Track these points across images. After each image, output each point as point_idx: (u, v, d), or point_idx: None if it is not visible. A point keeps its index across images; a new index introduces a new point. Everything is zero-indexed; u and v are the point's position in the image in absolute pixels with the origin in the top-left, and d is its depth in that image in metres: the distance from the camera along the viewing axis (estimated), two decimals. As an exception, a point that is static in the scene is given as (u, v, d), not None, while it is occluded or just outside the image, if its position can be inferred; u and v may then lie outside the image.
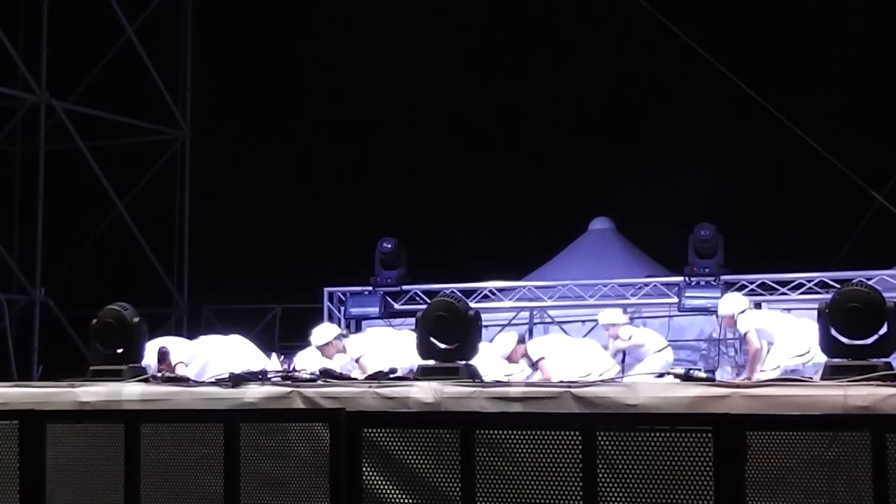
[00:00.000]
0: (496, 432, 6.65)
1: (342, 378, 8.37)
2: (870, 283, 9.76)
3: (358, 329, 14.61)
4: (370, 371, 9.66)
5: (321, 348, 10.95)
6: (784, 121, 14.37)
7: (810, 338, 10.06)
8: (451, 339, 7.89)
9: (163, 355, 10.52)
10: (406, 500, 6.77)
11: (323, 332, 11.14)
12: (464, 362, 7.80)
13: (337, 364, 10.63)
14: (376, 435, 6.86)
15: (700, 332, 13.73)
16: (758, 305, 12.05)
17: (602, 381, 8.11)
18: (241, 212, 16.40)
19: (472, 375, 7.70)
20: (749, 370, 10.36)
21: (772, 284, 11.59)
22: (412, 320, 8.61)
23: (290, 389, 7.39)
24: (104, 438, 7.47)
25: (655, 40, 15.24)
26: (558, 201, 13.07)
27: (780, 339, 10.21)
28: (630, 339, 11.44)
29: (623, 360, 11.54)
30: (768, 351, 10.49)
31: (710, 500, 6.16)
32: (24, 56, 16.84)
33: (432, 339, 7.94)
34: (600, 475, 6.38)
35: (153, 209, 17.23)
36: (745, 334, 10.38)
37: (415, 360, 8.50)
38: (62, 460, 7.56)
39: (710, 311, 12.89)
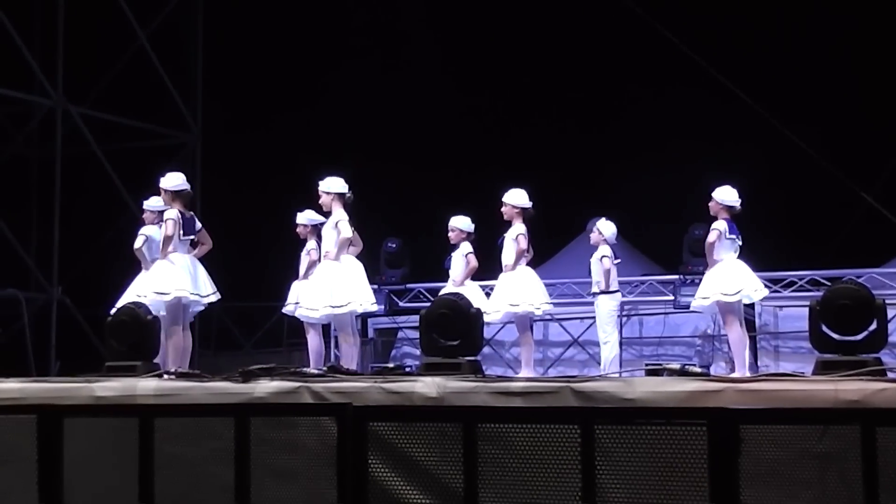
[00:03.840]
0: (498, 426, 6.69)
1: (349, 373, 8.55)
2: (859, 280, 9.90)
3: (364, 325, 14.82)
4: None
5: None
6: (774, 122, 14.46)
7: (741, 279, 10.06)
8: (454, 335, 8.01)
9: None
10: (411, 492, 6.83)
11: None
12: (466, 358, 7.95)
13: None
14: (382, 428, 6.91)
15: (695, 329, 13.87)
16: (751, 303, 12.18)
17: (601, 376, 8.25)
18: (251, 214, 16.55)
19: (475, 371, 7.85)
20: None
21: (764, 282, 11.71)
22: (416, 318, 8.73)
23: (298, 384, 7.50)
24: (119, 432, 7.52)
25: (649, 45, 15.33)
26: (557, 202, 13.19)
27: (712, 276, 10.21)
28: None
29: None
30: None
31: (705, 492, 6.22)
32: (40, 62, 17.01)
33: (436, 336, 8.11)
34: (598, 467, 6.44)
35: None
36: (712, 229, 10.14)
37: None
38: (79, 453, 7.61)
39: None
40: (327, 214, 10.37)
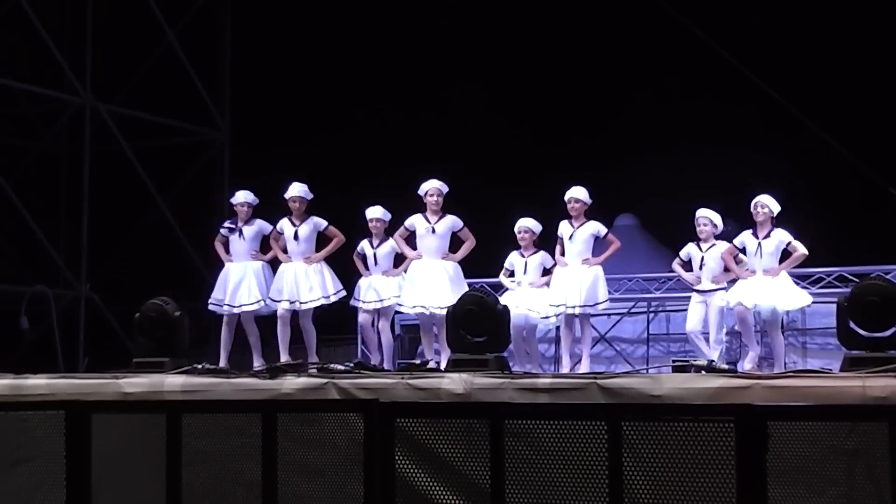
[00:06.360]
0: (525, 422, 6.71)
1: (376, 370, 8.56)
2: (887, 277, 9.86)
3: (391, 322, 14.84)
4: None
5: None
6: (803, 118, 14.38)
7: (764, 293, 10.01)
8: (481, 331, 8.06)
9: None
10: (438, 488, 6.86)
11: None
12: (493, 354, 7.98)
13: None
14: (409, 425, 6.94)
15: (722, 326, 13.81)
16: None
17: (627, 372, 8.25)
18: (278, 212, 16.58)
19: (501, 367, 7.87)
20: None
21: (792, 279, 11.61)
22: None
23: (325, 380, 7.54)
24: (147, 428, 7.58)
25: (679, 43, 15.31)
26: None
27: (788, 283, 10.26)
28: None
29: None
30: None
31: (733, 488, 6.22)
32: (69, 60, 17.12)
33: (462, 332, 8.13)
34: (625, 464, 6.45)
35: (193, 208, 17.49)
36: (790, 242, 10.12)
37: None
38: (107, 449, 7.69)
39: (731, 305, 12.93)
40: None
